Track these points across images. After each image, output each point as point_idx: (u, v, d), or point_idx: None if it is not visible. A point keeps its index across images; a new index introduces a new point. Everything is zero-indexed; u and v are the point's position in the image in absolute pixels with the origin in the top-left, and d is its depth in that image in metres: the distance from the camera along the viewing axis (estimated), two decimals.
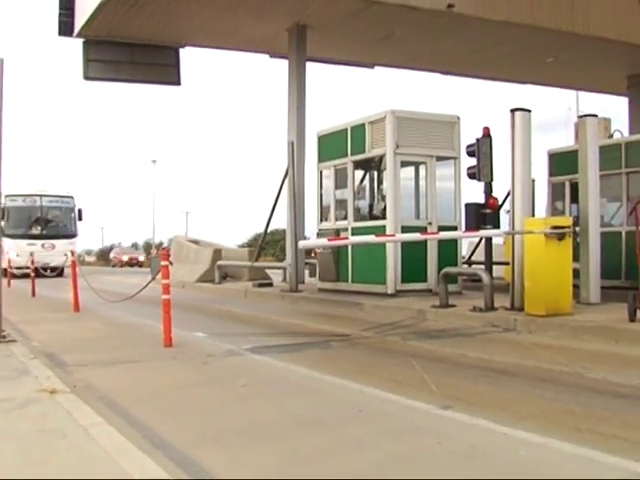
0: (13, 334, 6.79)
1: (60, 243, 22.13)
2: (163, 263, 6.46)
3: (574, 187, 10.43)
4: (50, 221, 23.32)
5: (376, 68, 17.38)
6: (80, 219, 23.56)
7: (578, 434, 3.49)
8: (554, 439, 3.34)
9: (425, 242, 10.51)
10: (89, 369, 5.40)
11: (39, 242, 21.91)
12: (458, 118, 11.05)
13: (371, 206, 11.76)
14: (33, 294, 13.60)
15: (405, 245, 10.45)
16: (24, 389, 4.28)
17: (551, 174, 12.41)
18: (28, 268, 17.81)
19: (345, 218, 11.62)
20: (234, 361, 5.84)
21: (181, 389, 4.74)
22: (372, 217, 11.36)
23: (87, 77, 14.91)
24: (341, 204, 11.87)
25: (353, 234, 11.17)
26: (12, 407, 3.82)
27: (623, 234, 10.76)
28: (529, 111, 8.56)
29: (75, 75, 25.35)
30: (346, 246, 11.19)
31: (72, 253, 20.71)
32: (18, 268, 20.31)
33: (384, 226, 10.50)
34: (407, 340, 7.11)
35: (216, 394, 4.58)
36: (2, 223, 19.98)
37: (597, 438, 3.42)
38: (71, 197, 23.77)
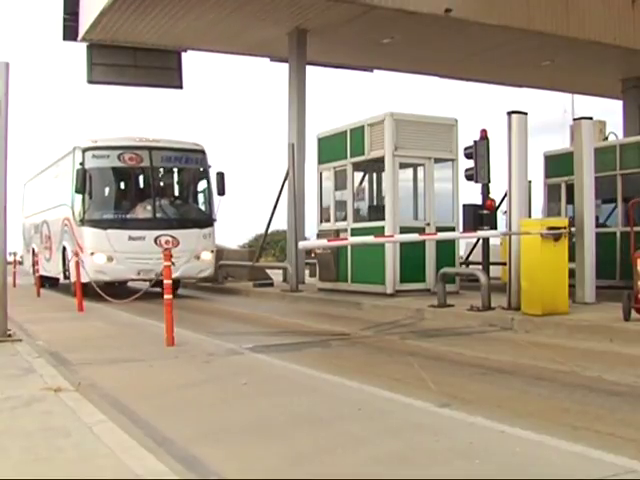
0: (18, 333, 6.82)
1: (187, 235, 12.33)
2: (165, 263, 6.51)
3: (570, 188, 10.53)
4: (168, 195, 12.99)
5: (375, 71, 17.46)
6: (221, 192, 12.88)
7: (574, 432, 3.52)
8: (550, 437, 3.36)
9: (423, 243, 10.60)
10: (93, 368, 5.43)
11: (150, 234, 11.99)
12: (456, 121, 11.14)
13: (370, 207, 11.85)
14: (38, 294, 13.62)
15: (404, 246, 10.53)
16: (29, 387, 4.32)
17: (547, 176, 12.50)
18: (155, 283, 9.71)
19: (345, 219, 11.70)
20: (235, 360, 5.88)
21: (183, 387, 4.77)
22: (371, 218, 11.44)
23: (91, 81, 15.02)
24: (341, 205, 11.95)
25: (353, 235, 11.24)
26: (17, 405, 3.85)
27: (618, 235, 10.85)
28: (525, 114, 8.63)
29: (79, 79, 25.00)
30: (346, 247, 11.28)
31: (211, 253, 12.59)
32: (107, 283, 11.95)
33: (383, 227, 10.59)
34: (406, 339, 7.16)
35: (217, 392, 4.61)
36: (76, 200, 12.24)
37: (593, 436, 3.45)
38: (202, 151, 13.07)
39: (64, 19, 14.56)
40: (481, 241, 10.64)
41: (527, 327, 7.53)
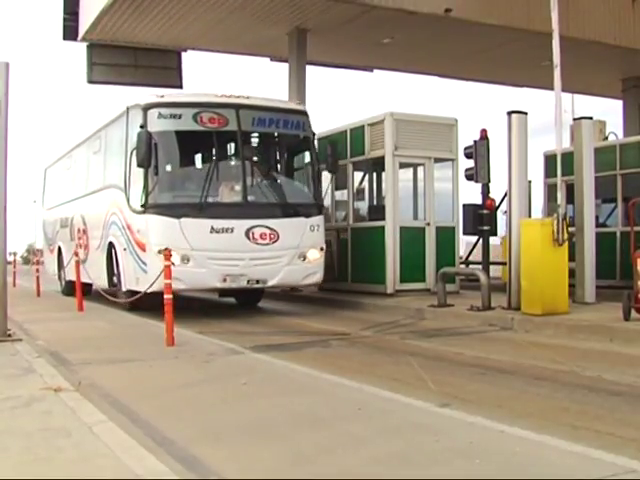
0: (18, 333, 6.82)
1: (290, 227, 9.13)
2: (165, 263, 6.50)
3: (570, 188, 10.54)
4: (263, 171, 9.62)
5: (375, 71, 17.46)
6: (333, 169, 10.41)
7: (574, 431, 3.52)
8: (550, 436, 3.35)
9: (424, 242, 10.64)
10: (93, 367, 5.42)
11: (240, 225, 8.77)
12: (456, 120, 11.15)
13: (370, 207, 11.85)
14: (38, 294, 13.62)
15: (404, 245, 10.57)
16: (29, 387, 4.31)
17: (547, 175, 12.49)
18: (226, 291, 9.11)
19: (345, 219, 11.73)
20: (235, 360, 5.86)
21: (183, 387, 4.77)
22: (371, 218, 11.45)
23: (91, 81, 15.02)
24: (341, 205, 11.97)
25: (353, 235, 11.27)
26: (17, 405, 3.84)
27: (618, 234, 10.87)
28: (525, 113, 8.65)
29: (79, 78, 24.90)
30: (346, 246, 11.31)
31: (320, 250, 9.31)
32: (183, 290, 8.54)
33: (383, 227, 10.60)
34: (405, 339, 7.17)
35: (217, 392, 4.60)
36: (133, 178, 9.02)
37: (593, 435, 3.46)
38: (304, 113, 9.86)
39: (64, 19, 14.55)
40: (481, 241, 10.65)
41: (527, 327, 7.53)
